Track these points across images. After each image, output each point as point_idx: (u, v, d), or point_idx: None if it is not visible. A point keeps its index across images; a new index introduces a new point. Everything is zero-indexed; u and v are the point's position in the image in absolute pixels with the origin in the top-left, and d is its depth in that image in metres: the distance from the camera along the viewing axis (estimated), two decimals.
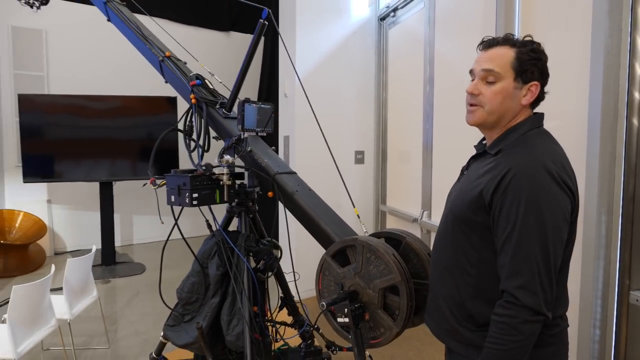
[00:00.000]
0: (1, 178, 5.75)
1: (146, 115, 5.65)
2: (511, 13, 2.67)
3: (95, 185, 5.73)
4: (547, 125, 1.28)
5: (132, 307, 4.16)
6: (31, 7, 3.22)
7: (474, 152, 1.35)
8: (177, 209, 2.04)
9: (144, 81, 6.47)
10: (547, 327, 1.18)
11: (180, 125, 2.24)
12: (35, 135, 5.21)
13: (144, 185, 2.19)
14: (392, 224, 4.49)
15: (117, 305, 4.14)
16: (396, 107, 4.47)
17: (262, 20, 2.09)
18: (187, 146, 2.16)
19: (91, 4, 3.07)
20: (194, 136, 2.20)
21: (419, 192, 3.89)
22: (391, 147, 4.58)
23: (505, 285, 1.12)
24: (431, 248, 1.42)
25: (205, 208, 2.02)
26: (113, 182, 5.55)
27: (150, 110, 5.68)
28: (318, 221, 1.75)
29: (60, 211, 6.18)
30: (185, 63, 2.49)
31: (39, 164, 5.26)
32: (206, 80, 2.28)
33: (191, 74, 2.26)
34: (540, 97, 1.25)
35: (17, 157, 5.76)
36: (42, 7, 3.29)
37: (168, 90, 5.90)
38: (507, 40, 1.23)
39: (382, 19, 4.57)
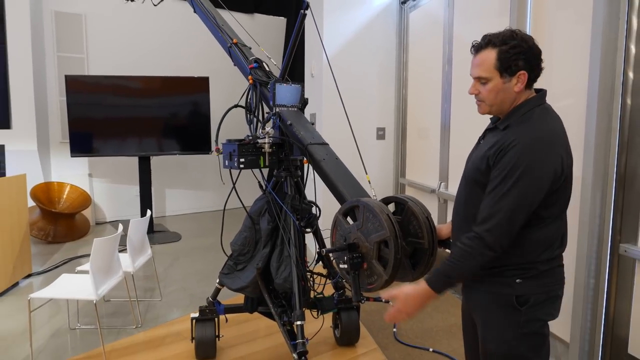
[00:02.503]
0: (48, 153, 6.21)
1: (180, 95, 6.04)
2: (524, 2, 2.95)
3: (131, 160, 6.17)
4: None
5: (175, 268, 4.61)
6: None
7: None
8: (234, 175, 2.40)
9: (178, 62, 6.88)
10: (541, 263, 1.46)
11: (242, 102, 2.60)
12: (80, 113, 5.64)
13: (210, 153, 2.57)
14: (410, 195, 4.83)
15: (161, 267, 4.59)
16: (416, 86, 4.77)
17: (302, 11, 2.44)
18: (248, 119, 2.53)
19: None
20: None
21: (437, 166, 4.22)
22: (410, 124, 4.90)
23: (476, 227, 1.40)
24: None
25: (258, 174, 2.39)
26: (150, 157, 5.98)
27: (185, 90, 6.07)
28: (337, 184, 2.06)
29: (100, 184, 6.65)
30: (250, 48, 2.83)
31: (83, 140, 5.71)
32: (263, 63, 2.63)
33: (251, 58, 2.61)
34: (534, 77, 1.49)
35: (61, 134, 6.22)
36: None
37: (200, 71, 6.29)
38: (489, 42, 1.44)
39: (404, 2, 4.83)
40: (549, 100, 1.54)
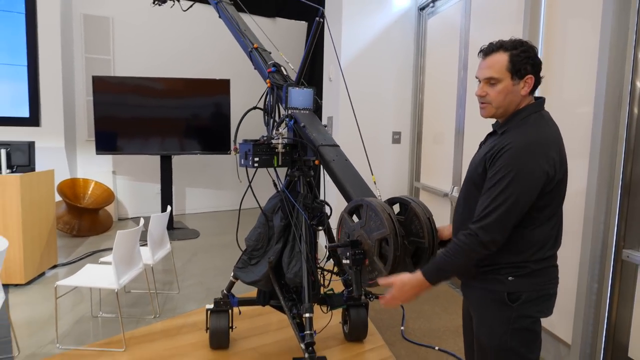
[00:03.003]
0: (74, 151, 6.46)
1: (202, 96, 6.23)
2: (537, 8, 3.02)
3: (153, 159, 6.37)
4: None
5: (193, 263, 4.77)
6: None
7: None
8: (250, 174, 2.53)
9: (201, 65, 7.07)
10: (534, 263, 1.51)
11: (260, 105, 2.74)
12: (106, 112, 5.86)
13: (228, 152, 2.71)
14: (424, 199, 4.90)
15: (179, 262, 4.75)
16: (432, 91, 4.85)
17: (318, 19, 2.56)
18: (265, 121, 2.67)
19: None
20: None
21: (450, 170, 4.29)
22: (426, 129, 4.97)
23: (472, 224, 1.47)
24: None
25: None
26: (172, 156, 6.17)
27: (207, 91, 6.25)
28: (345, 184, 2.15)
29: (123, 182, 6.88)
30: (270, 53, 2.97)
31: (108, 139, 5.93)
32: (282, 67, 2.76)
33: (270, 62, 2.74)
34: (537, 84, 1.57)
35: (87, 132, 6.46)
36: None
37: (222, 74, 6.46)
38: (501, 46, 1.53)
39: (422, 9, 4.92)
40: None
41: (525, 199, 1.45)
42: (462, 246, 1.49)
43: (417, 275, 1.54)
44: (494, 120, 1.67)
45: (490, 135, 1.68)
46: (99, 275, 3.02)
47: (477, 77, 1.60)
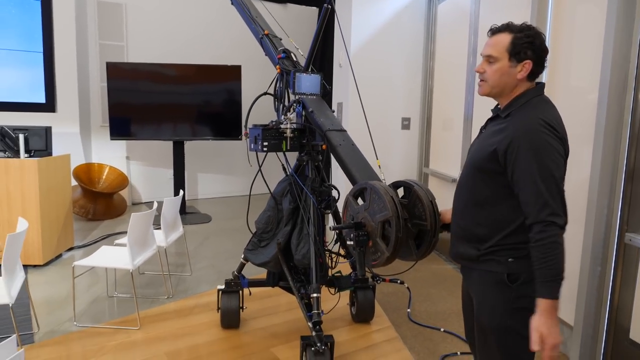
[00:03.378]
0: (89, 136, 6.58)
1: (214, 82, 6.29)
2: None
3: (166, 145, 6.48)
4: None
5: (205, 247, 4.88)
6: None
7: None
8: (261, 158, 2.60)
9: (213, 51, 7.13)
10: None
11: (270, 90, 2.80)
12: (120, 99, 5.96)
13: (240, 138, 2.79)
14: (433, 184, 4.94)
15: (192, 246, 4.86)
16: (442, 78, 4.85)
17: (326, 5, 2.59)
18: (275, 106, 2.73)
19: None
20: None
21: (459, 156, 4.31)
22: (436, 115, 4.99)
23: (539, 217, 1.42)
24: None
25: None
26: (184, 142, 6.27)
27: (218, 77, 6.31)
28: (350, 168, 2.21)
29: (137, 167, 7.00)
30: (281, 39, 3.01)
31: (122, 124, 6.03)
32: (291, 54, 2.81)
33: (280, 49, 2.79)
34: (537, 71, 1.59)
35: (101, 118, 6.57)
36: None
37: (235, 60, 6.51)
38: (507, 28, 1.56)
39: None
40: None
41: (560, 173, 1.47)
42: (551, 241, 1.43)
43: (542, 306, 1.44)
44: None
45: (491, 119, 1.69)
46: (114, 257, 3.12)
47: (481, 55, 1.63)
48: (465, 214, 1.65)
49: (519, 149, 1.46)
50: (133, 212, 2.98)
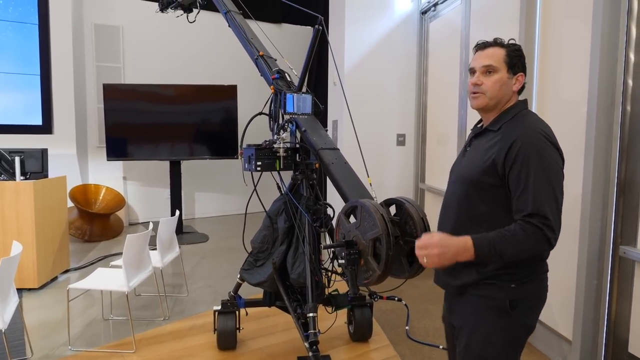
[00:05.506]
0: (85, 157, 6.59)
1: (210, 102, 6.34)
2: (532, 10, 3.06)
3: (163, 165, 6.49)
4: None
5: (202, 266, 4.85)
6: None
7: None
8: (256, 177, 2.61)
9: (210, 71, 7.19)
10: (534, 270, 1.49)
11: (265, 110, 2.83)
12: (116, 120, 5.99)
13: (236, 157, 2.81)
14: (429, 200, 4.95)
15: (188, 266, 4.84)
16: (435, 93, 4.90)
17: (316, 27, 2.63)
18: (270, 126, 2.75)
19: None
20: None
21: None
22: (430, 130, 5.02)
23: (530, 218, 1.37)
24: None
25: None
26: (181, 161, 6.28)
27: (214, 97, 6.37)
28: (342, 186, 2.21)
29: (134, 187, 7.00)
30: (275, 60, 3.05)
31: (119, 145, 6.05)
32: (286, 74, 2.84)
33: (274, 69, 2.83)
34: (523, 86, 1.61)
35: (98, 139, 6.59)
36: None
37: (231, 80, 6.56)
38: (497, 43, 1.57)
39: (424, 12, 4.98)
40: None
41: (561, 179, 1.45)
42: (526, 233, 1.38)
43: (465, 239, 1.41)
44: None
45: (477, 136, 1.64)
46: (109, 279, 3.11)
47: (471, 68, 1.60)
48: (460, 233, 1.50)
49: (520, 149, 1.42)
50: (129, 233, 2.98)
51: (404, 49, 5.05)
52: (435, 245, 1.39)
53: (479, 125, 1.69)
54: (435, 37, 4.88)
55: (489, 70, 1.54)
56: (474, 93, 1.58)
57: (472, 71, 1.60)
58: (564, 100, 2.77)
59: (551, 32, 2.93)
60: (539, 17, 3.04)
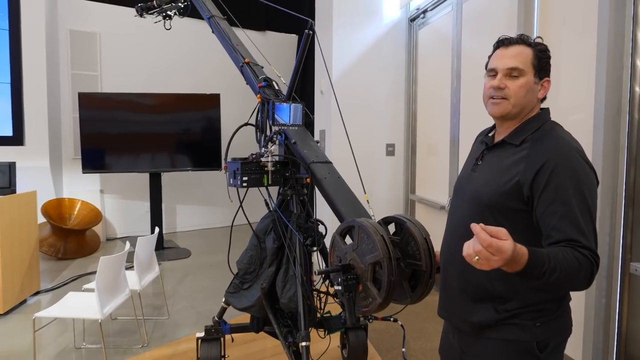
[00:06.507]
0: (60, 170, 6.29)
1: (192, 111, 6.11)
2: (530, 17, 2.94)
3: (142, 177, 6.22)
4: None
5: (184, 285, 4.60)
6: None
7: None
8: (242, 193, 2.40)
9: (192, 79, 6.97)
10: (559, 301, 1.32)
11: (252, 121, 2.62)
12: (92, 130, 5.71)
13: (220, 171, 2.59)
14: (420, 212, 4.79)
15: (169, 285, 4.58)
16: (425, 102, 4.76)
17: (307, 31, 2.45)
18: (257, 137, 2.55)
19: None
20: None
21: (447, 182, 4.18)
22: (420, 140, 4.87)
23: (582, 248, 1.16)
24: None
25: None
26: (161, 173, 6.02)
27: (196, 106, 6.14)
28: (336, 203, 2.01)
29: (112, 200, 6.70)
30: (262, 67, 2.86)
31: (95, 157, 5.77)
32: (273, 82, 2.65)
33: (261, 77, 2.64)
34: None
35: (74, 150, 6.30)
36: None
37: (214, 88, 6.36)
38: (523, 40, 1.35)
39: (413, 20, 4.85)
40: (556, 116, 1.46)
41: (596, 206, 1.26)
42: (578, 259, 1.15)
43: (523, 248, 1.10)
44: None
45: (492, 148, 1.43)
46: (81, 305, 2.85)
47: (492, 69, 1.38)
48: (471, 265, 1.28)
49: (555, 171, 1.22)
50: (107, 249, 2.75)
51: (392, 57, 4.91)
52: (504, 252, 1.05)
53: (490, 134, 1.48)
54: (424, 45, 4.75)
55: (514, 72, 1.33)
56: (495, 98, 1.37)
57: (493, 72, 1.38)
58: (563, 109, 2.64)
59: (550, 39, 2.81)
60: (536, 23, 2.92)
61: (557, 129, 1.36)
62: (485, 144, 1.47)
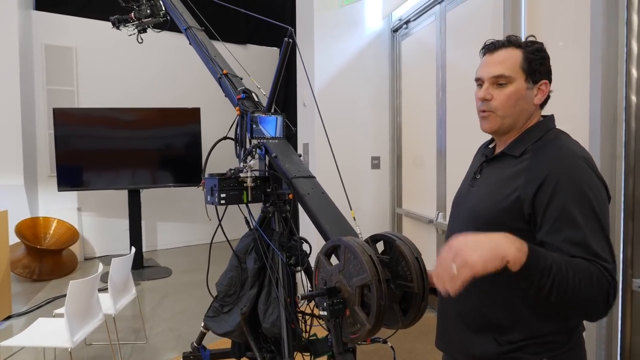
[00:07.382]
0: (35, 187, 6.07)
1: (172, 126, 5.96)
2: (517, 24, 2.88)
3: (121, 194, 6.02)
4: (564, 127, 1.34)
5: (163, 307, 4.41)
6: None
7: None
8: (221, 210, 2.25)
9: (171, 93, 6.82)
10: (571, 330, 1.19)
11: (231, 134, 2.49)
12: (69, 147, 5.52)
13: (198, 187, 2.43)
14: (407, 226, 4.68)
15: (149, 306, 4.39)
16: (410, 114, 4.68)
17: (287, 39, 2.34)
18: (237, 152, 2.42)
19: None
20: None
21: (434, 195, 4.08)
22: (406, 152, 4.79)
23: (599, 263, 1.04)
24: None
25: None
26: (140, 190, 5.84)
27: (176, 121, 5.99)
28: (320, 221, 1.87)
29: (90, 218, 6.49)
30: (242, 79, 2.75)
31: (72, 174, 5.57)
32: (252, 94, 2.53)
33: (239, 88, 2.51)
34: (548, 97, 1.29)
35: (50, 167, 6.09)
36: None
37: (194, 102, 6.22)
38: (512, 42, 1.22)
39: (395, 30, 4.79)
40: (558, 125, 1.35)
41: (608, 220, 1.11)
42: (591, 271, 1.02)
43: (514, 239, 0.99)
44: (483, 136, 1.34)
45: (491, 161, 1.32)
46: (50, 332, 2.67)
47: (478, 78, 1.27)
48: (472, 290, 1.08)
49: (559, 184, 1.09)
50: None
51: (376, 68, 4.84)
52: (463, 244, 0.97)
53: (490, 146, 1.37)
54: (408, 56, 4.69)
55: (500, 80, 1.21)
56: (483, 112, 1.25)
57: (479, 82, 1.27)
58: (560, 118, 2.56)
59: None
60: (524, 31, 2.86)
61: (562, 137, 1.23)
62: (485, 156, 1.36)
